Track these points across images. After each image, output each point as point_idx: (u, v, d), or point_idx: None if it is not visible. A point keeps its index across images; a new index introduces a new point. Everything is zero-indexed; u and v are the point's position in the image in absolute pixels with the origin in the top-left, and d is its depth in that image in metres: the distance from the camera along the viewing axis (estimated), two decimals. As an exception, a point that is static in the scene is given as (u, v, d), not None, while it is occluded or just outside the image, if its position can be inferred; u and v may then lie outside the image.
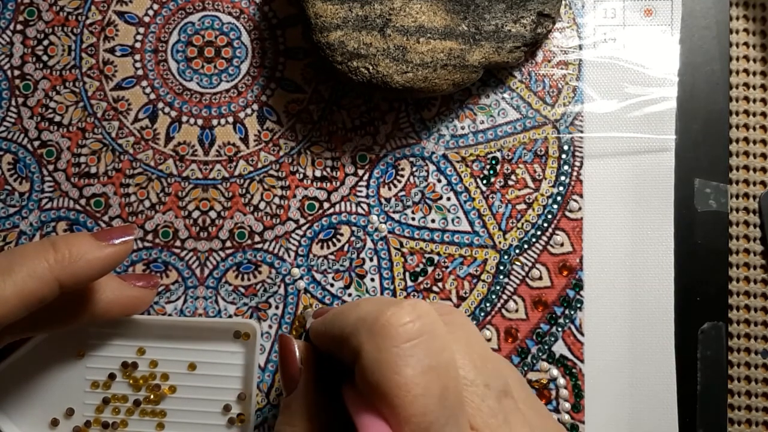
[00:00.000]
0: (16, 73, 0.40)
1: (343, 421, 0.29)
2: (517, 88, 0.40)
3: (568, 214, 0.39)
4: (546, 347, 0.39)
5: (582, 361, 0.38)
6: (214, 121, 0.40)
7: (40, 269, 0.31)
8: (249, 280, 0.39)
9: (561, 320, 0.39)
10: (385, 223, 0.39)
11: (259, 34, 0.41)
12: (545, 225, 0.39)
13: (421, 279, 0.39)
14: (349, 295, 0.39)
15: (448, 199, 0.39)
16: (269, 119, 0.40)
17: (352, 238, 0.39)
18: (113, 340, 0.38)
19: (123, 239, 0.33)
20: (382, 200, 0.40)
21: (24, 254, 0.31)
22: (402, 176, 0.40)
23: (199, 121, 0.40)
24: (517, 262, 0.39)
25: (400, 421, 0.24)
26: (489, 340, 0.39)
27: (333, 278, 0.39)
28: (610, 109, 0.39)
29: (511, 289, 0.39)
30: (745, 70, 0.41)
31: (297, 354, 0.32)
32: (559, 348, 0.39)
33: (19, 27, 0.41)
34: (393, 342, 0.25)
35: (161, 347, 0.38)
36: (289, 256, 0.39)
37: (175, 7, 0.41)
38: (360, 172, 0.40)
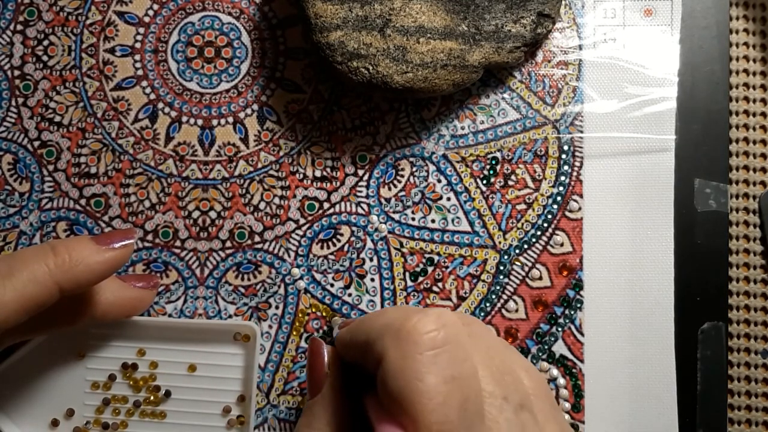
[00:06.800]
0: (16, 73, 0.40)
1: (363, 429, 0.29)
2: (517, 88, 0.40)
3: (568, 214, 0.39)
4: (546, 347, 0.39)
5: (582, 361, 0.38)
6: (214, 121, 0.40)
7: (40, 274, 0.31)
8: (249, 280, 0.39)
9: (561, 320, 0.39)
10: (385, 223, 0.39)
11: (259, 34, 0.40)
12: (545, 225, 0.39)
13: (421, 279, 0.39)
14: (349, 295, 0.39)
15: (448, 199, 0.39)
16: (269, 119, 0.40)
17: (352, 238, 0.39)
18: (113, 341, 0.38)
19: (123, 243, 0.33)
20: (382, 200, 0.40)
21: (24, 259, 0.31)
22: (402, 176, 0.40)
23: (199, 121, 0.40)
24: (517, 262, 0.39)
25: (419, 428, 0.24)
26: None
27: (333, 278, 0.39)
28: (610, 109, 0.39)
29: (511, 289, 0.39)
30: (745, 70, 0.40)
31: (325, 359, 0.32)
32: (559, 348, 0.39)
33: (19, 27, 0.40)
34: (417, 349, 0.26)
35: (161, 348, 0.38)
36: (289, 256, 0.39)
37: (175, 8, 0.41)
38: (360, 172, 0.40)
